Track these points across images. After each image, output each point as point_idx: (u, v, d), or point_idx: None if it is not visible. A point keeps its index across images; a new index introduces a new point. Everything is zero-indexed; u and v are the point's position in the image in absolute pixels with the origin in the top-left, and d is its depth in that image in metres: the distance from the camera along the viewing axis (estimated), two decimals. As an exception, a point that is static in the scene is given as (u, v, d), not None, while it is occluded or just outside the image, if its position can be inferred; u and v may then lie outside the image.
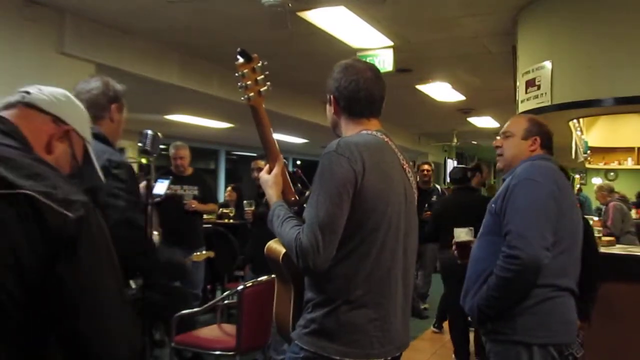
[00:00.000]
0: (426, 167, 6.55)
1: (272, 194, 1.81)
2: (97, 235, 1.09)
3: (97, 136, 2.12)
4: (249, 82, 1.72)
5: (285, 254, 1.76)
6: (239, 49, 1.70)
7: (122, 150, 2.59)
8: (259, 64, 1.74)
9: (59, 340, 1.06)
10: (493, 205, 2.15)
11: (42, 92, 1.29)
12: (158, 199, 2.97)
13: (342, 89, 1.77)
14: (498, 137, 2.38)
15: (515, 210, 2.01)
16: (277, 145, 1.84)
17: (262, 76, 1.74)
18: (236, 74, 1.71)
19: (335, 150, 1.65)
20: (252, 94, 1.74)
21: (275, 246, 1.83)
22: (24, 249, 1.00)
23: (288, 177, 1.86)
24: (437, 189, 7.11)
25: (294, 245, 1.61)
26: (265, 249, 1.88)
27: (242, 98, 1.73)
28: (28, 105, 1.25)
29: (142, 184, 2.62)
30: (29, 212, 1.01)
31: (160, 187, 3.03)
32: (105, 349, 1.09)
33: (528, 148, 2.25)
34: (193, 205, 4.92)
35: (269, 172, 1.85)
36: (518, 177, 2.10)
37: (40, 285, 1.01)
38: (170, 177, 3.11)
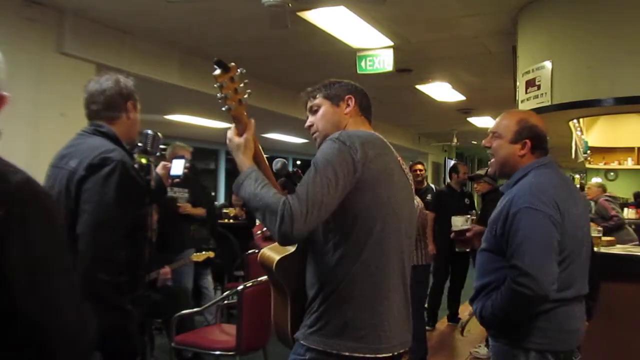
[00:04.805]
0: (419, 167, 6.54)
1: (244, 159, 1.68)
2: (35, 220, 1.05)
3: (104, 134, 2.11)
4: (228, 92, 1.66)
5: (278, 261, 1.74)
6: (215, 60, 1.64)
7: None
8: (237, 73, 1.67)
9: (15, 338, 1.04)
10: (494, 226, 2.06)
11: None
12: (177, 180, 2.82)
13: (358, 91, 1.93)
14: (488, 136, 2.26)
15: (517, 244, 1.94)
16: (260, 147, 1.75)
17: (242, 84, 1.68)
18: (214, 85, 1.66)
19: (337, 138, 1.67)
20: (232, 103, 1.67)
21: (268, 254, 1.80)
22: None
23: (268, 163, 1.76)
24: (432, 188, 7.17)
25: (280, 208, 1.52)
26: (258, 257, 1.85)
27: (223, 109, 1.68)
28: None
29: (160, 166, 2.60)
30: None
31: (177, 167, 2.74)
32: (60, 335, 1.07)
33: (518, 152, 2.12)
34: (187, 210, 4.97)
35: (239, 134, 1.70)
36: (517, 203, 1.99)
37: None
38: (184, 156, 2.88)
